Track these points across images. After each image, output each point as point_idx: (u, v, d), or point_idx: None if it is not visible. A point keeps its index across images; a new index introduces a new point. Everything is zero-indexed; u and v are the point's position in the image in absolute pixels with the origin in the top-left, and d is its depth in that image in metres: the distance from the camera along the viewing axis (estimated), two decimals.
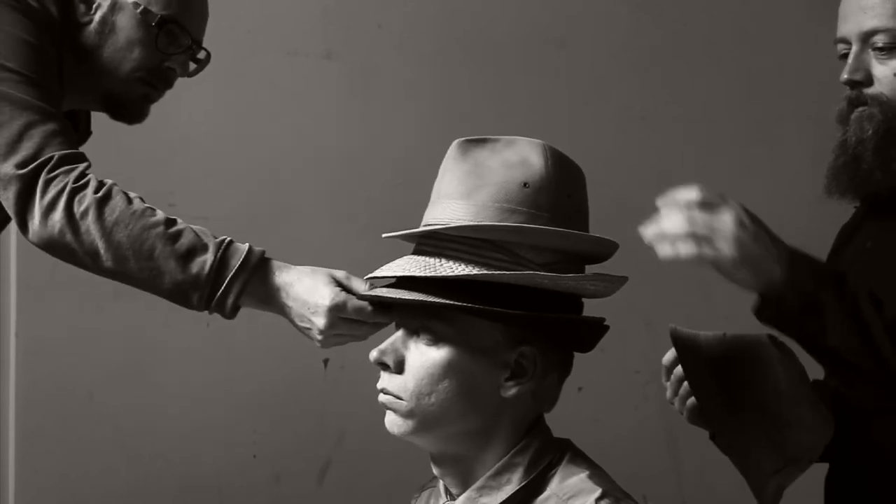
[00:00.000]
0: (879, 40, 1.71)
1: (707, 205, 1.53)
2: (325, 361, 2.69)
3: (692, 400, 1.71)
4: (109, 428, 2.50)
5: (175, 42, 1.86)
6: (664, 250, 1.52)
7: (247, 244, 1.65)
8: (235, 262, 1.63)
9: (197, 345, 2.57)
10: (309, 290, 1.61)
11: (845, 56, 1.76)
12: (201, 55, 1.93)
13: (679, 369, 1.71)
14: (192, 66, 1.95)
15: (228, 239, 1.66)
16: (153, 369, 2.54)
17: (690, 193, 1.54)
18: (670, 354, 1.71)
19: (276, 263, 1.65)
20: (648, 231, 1.53)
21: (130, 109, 1.90)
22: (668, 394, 1.73)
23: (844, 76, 1.74)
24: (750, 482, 1.71)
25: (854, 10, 1.74)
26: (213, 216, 2.58)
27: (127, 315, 2.51)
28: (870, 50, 1.72)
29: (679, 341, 1.65)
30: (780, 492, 1.68)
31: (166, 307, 2.54)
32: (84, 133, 1.98)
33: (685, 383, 1.71)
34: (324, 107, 2.69)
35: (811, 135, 3.01)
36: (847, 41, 1.75)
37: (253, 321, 2.61)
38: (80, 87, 1.84)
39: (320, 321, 1.59)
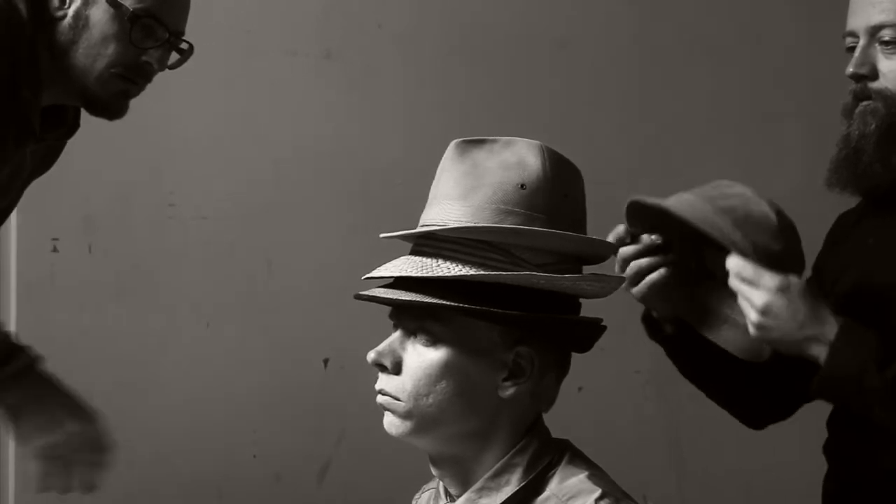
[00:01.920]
0: (887, 34, 1.71)
1: (747, 280, 1.63)
2: (325, 361, 2.69)
3: (654, 276, 1.73)
4: (109, 428, 2.50)
5: (151, 36, 1.81)
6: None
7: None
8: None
9: (197, 345, 2.57)
10: None
11: (852, 49, 1.76)
12: (183, 46, 1.90)
13: (628, 250, 1.74)
14: (176, 56, 1.90)
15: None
16: (153, 369, 2.54)
17: (730, 266, 1.64)
18: (629, 249, 1.74)
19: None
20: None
21: (109, 106, 1.85)
22: (625, 284, 1.74)
23: (850, 70, 1.75)
24: (728, 346, 1.76)
25: (863, 5, 1.74)
26: (212, 216, 2.59)
27: (127, 315, 2.51)
28: (877, 44, 1.72)
29: (646, 208, 1.69)
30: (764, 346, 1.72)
31: (166, 307, 2.56)
32: (72, 127, 1.95)
33: (642, 262, 1.73)
34: (324, 107, 2.69)
35: (811, 134, 3.01)
36: (855, 34, 1.75)
37: (253, 321, 2.62)
38: (59, 84, 1.80)
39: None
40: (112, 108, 1.86)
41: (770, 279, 1.62)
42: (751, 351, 1.73)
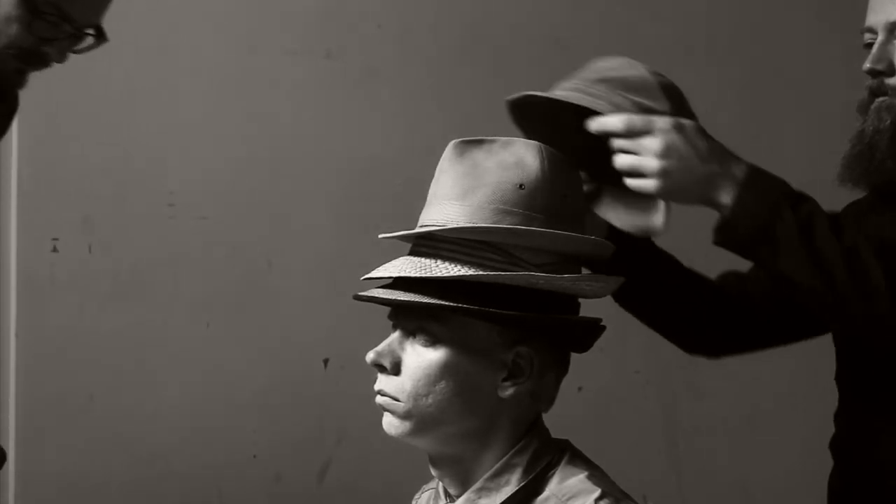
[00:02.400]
0: None
1: (637, 131, 1.55)
2: (325, 361, 2.69)
3: None
4: (109, 428, 2.50)
5: (54, 28, 1.78)
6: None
7: None
8: None
9: (197, 345, 2.57)
10: None
11: (870, 46, 1.76)
12: (88, 42, 1.83)
13: None
14: (90, 40, 1.84)
15: None
16: (153, 369, 2.54)
17: (616, 123, 1.55)
18: None
19: None
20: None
21: (3, 80, 1.82)
22: None
23: (867, 65, 1.75)
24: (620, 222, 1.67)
25: (883, 1, 1.75)
26: (212, 216, 2.59)
27: (127, 315, 2.51)
28: (895, 41, 1.73)
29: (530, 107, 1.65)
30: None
31: (166, 307, 2.56)
32: (11, 106, 1.93)
33: None
34: (324, 107, 2.69)
35: (812, 134, 3.01)
36: (874, 31, 1.76)
37: (253, 321, 2.62)
38: None
39: None
40: (6, 82, 1.83)
41: (663, 121, 1.56)
42: (644, 224, 1.64)
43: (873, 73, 1.75)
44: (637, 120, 1.55)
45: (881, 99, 1.74)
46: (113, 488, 2.52)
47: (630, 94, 1.58)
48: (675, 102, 1.61)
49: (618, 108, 1.56)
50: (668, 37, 3.03)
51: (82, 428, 2.48)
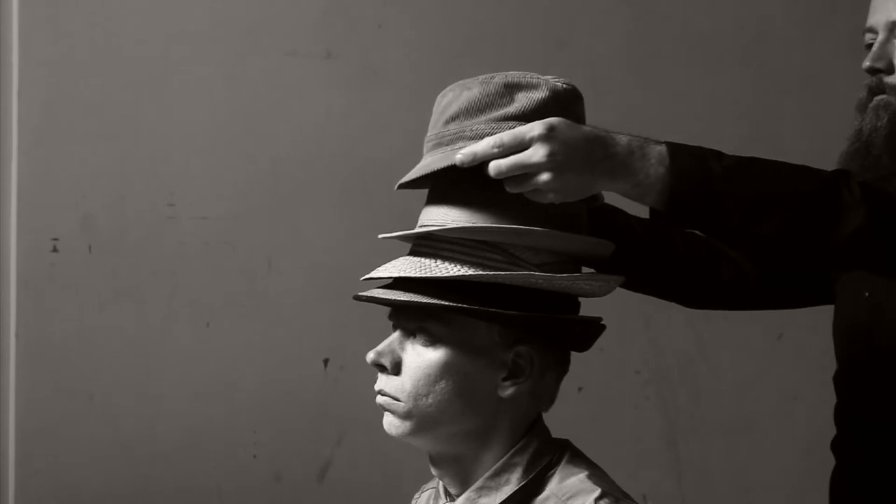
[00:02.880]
0: None
1: (510, 146, 1.42)
2: (325, 361, 2.69)
3: None
4: (109, 428, 2.50)
5: None
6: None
7: None
8: None
9: (197, 345, 2.57)
10: None
11: (871, 46, 1.77)
12: None
13: None
14: None
15: None
16: (153, 369, 2.54)
17: (485, 149, 1.43)
18: None
19: None
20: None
21: None
22: None
23: (867, 63, 1.76)
24: None
25: (884, 1, 1.76)
26: (212, 216, 2.59)
27: (127, 315, 2.51)
28: (895, 40, 1.73)
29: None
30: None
31: (166, 307, 2.56)
32: None
33: None
34: (324, 107, 2.69)
35: (811, 135, 3.01)
36: (874, 30, 1.77)
37: (253, 321, 2.62)
38: None
39: None
40: None
41: (531, 127, 1.41)
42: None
43: (872, 70, 1.76)
44: (504, 137, 1.42)
45: (879, 97, 1.75)
46: (113, 488, 2.52)
47: (482, 115, 1.49)
48: (526, 94, 1.50)
49: (479, 138, 1.46)
50: (667, 37, 3.03)
51: (82, 428, 2.48)
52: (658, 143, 1.46)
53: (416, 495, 1.67)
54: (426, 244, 1.50)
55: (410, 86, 2.77)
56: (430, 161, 1.51)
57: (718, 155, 1.48)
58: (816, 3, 3.14)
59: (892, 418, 1.76)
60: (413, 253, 1.52)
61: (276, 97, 2.65)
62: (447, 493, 1.55)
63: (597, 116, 2.95)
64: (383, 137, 2.73)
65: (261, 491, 2.63)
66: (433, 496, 1.62)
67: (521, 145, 1.41)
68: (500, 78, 1.51)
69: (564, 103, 1.50)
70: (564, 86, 1.52)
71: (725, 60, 3.09)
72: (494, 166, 1.42)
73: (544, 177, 1.41)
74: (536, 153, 1.41)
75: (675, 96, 3.03)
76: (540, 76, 1.53)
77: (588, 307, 1.55)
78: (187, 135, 2.57)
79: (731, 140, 3.12)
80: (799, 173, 1.48)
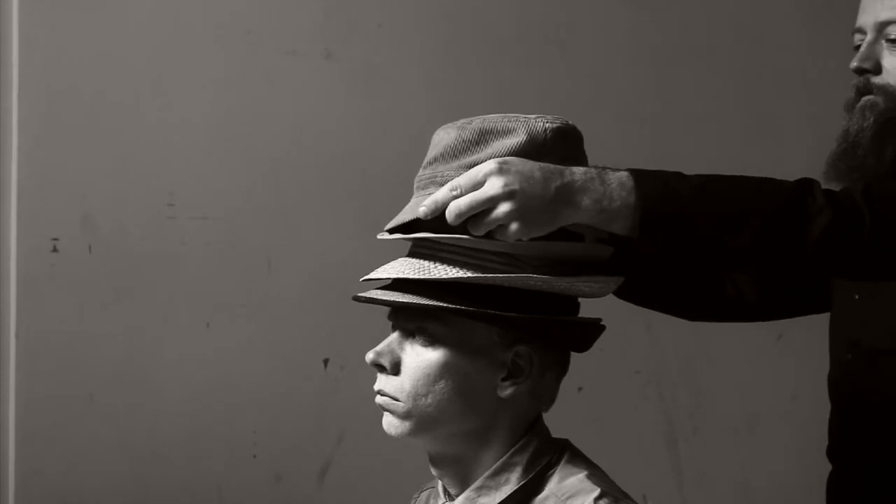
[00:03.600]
0: (893, 31, 1.73)
1: (463, 186, 1.41)
2: (325, 361, 2.69)
3: None
4: (109, 428, 2.50)
5: None
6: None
7: None
8: None
9: (197, 345, 2.57)
10: None
11: (859, 47, 1.77)
12: None
13: None
14: None
15: None
16: (153, 369, 2.54)
17: (441, 197, 1.43)
18: None
19: None
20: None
21: None
22: None
23: (854, 63, 1.76)
24: None
25: (873, 2, 1.76)
26: (212, 216, 2.59)
27: (127, 315, 2.51)
28: (883, 41, 1.74)
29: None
30: None
31: (166, 307, 2.56)
32: None
33: None
34: (324, 107, 2.69)
35: (811, 135, 3.01)
36: (863, 31, 1.77)
37: (253, 321, 2.62)
38: None
39: None
40: None
41: (484, 167, 1.41)
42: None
43: (860, 71, 1.76)
44: (459, 180, 1.42)
45: (867, 97, 1.76)
46: (113, 488, 2.52)
47: (455, 160, 1.48)
48: (500, 141, 1.49)
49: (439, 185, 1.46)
50: (667, 37, 3.03)
51: (82, 428, 2.48)
52: (617, 169, 1.45)
53: (416, 495, 1.67)
54: (425, 244, 1.50)
55: (410, 86, 2.77)
56: (405, 210, 1.51)
57: (681, 176, 1.47)
58: (816, 3, 3.14)
59: (884, 424, 1.76)
60: (412, 254, 1.52)
61: (276, 97, 2.65)
62: (447, 493, 1.55)
63: (597, 116, 2.97)
64: (383, 137, 2.73)
65: (261, 491, 2.63)
66: (433, 495, 1.62)
67: (477, 184, 1.41)
68: (477, 123, 1.50)
69: (542, 148, 1.48)
70: (549, 125, 1.50)
71: (725, 60, 3.09)
72: (453, 208, 1.41)
73: (503, 208, 1.39)
74: (491, 186, 1.40)
75: (675, 96, 3.03)
76: (525, 118, 1.50)
77: (588, 307, 1.56)
78: (187, 135, 2.57)
79: (731, 140, 3.13)
80: (764, 186, 1.48)
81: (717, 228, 1.45)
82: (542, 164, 1.42)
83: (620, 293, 1.72)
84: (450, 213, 1.42)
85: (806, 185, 1.48)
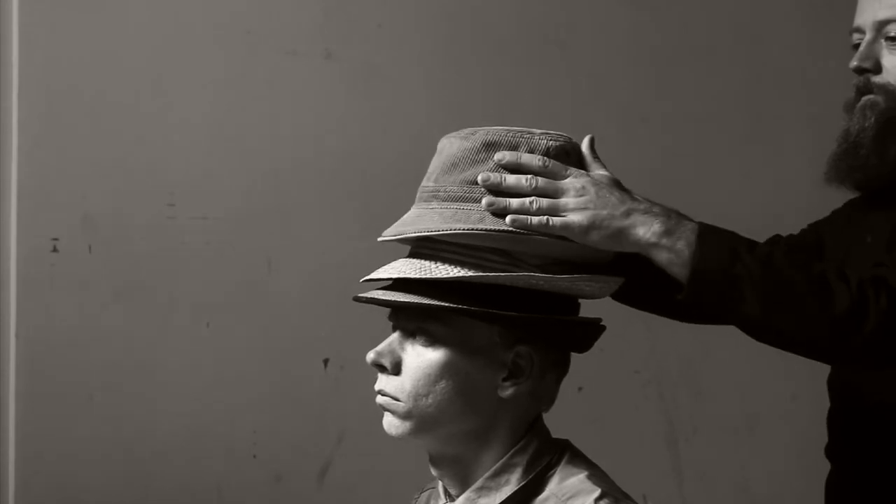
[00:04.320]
0: (892, 30, 1.73)
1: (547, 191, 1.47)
2: (325, 361, 2.69)
3: None
4: (109, 428, 2.50)
5: None
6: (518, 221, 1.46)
7: None
8: None
9: (197, 345, 2.57)
10: None
11: (858, 46, 1.77)
12: None
13: None
14: None
15: None
16: (153, 369, 2.54)
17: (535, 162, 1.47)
18: None
19: None
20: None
21: None
22: None
23: (854, 63, 1.76)
24: None
25: (871, 1, 1.76)
26: (212, 216, 2.59)
27: (127, 315, 2.51)
28: (882, 40, 1.74)
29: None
30: None
31: (166, 307, 2.56)
32: None
33: None
34: (324, 107, 2.69)
35: (811, 135, 3.01)
36: (861, 30, 1.77)
37: (253, 322, 2.62)
38: None
39: None
40: None
41: (574, 174, 1.48)
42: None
43: (860, 70, 1.76)
44: (549, 187, 1.47)
45: (867, 97, 1.75)
46: (113, 488, 2.52)
47: (457, 173, 1.49)
48: (498, 153, 1.50)
49: (451, 200, 1.48)
50: (667, 37, 3.03)
51: (82, 428, 2.48)
52: (690, 220, 1.51)
53: (416, 495, 1.67)
54: (426, 245, 1.50)
55: (410, 86, 2.77)
56: (405, 219, 1.52)
57: (746, 247, 1.51)
58: (816, 3, 3.14)
59: (883, 423, 1.76)
60: (413, 254, 1.52)
61: (276, 97, 2.65)
62: (447, 494, 1.55)
63: (597, 116, 2.97)
64: (383, 137, 2.73)
65: (261, 491, 2.63)
66: (433, 496, 1.62)
67: (558, 190, 1.47)
68: (481, 134, 1.50)
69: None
70: (552, 143, 1.50)
71: (725, 60, 3.09)
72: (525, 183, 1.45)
73: (573, 201, 1.45)
74: (570, 182, 1.46)
75: (675, 96, 3.03)
76: (529, 134, 1.50)
77: (588, 308, 1.55)
78: (187, 135, 2.57)
79: (731, 140, 3.13)
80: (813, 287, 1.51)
81: (762, 315, 1.51)
82: (622, 191, 1.49)
83: (620, 297, 1.72)
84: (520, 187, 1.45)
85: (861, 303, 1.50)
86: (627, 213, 1.47)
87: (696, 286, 1.48)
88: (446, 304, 1.44)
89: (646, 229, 1.48)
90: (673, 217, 1.49)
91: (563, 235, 1.47)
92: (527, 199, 1.45)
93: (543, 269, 1.47)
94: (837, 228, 1.88)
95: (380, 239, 1.54)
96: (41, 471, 2.45)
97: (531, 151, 1.49)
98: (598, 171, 1.52)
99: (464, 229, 1.45)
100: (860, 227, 1.82)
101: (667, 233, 1.48)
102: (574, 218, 1.46)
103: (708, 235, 1.49)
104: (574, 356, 1.55)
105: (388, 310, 1.52)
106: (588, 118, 2.91)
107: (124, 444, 2.52)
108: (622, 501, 1.47)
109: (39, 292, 2.45)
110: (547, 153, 1.49)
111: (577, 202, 1.46)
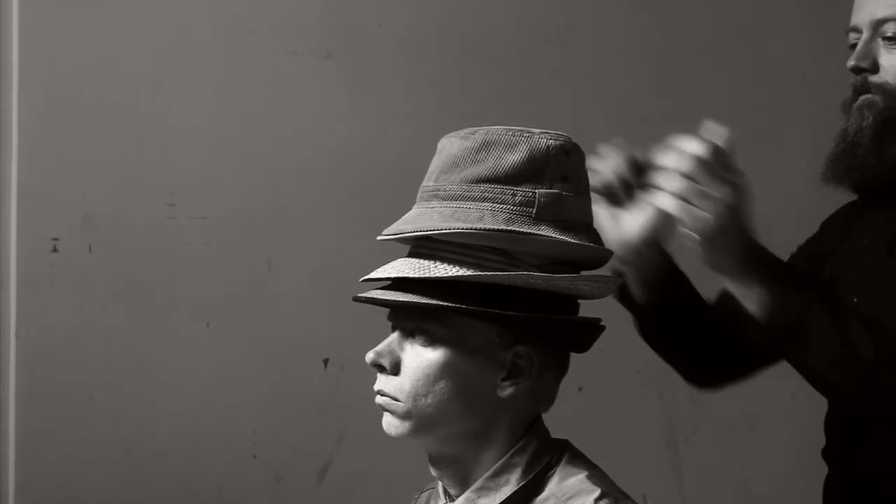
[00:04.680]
0: (889, 29, 1.72)
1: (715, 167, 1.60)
2: (325, 361, 2.69)
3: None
4: (109, 428, 2.50)
5: None
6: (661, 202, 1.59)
7: None
8: None
9: (197, 345, 2.57)
10: None
11: (855, 46, 1.77)
12: None
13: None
14: None
15: None
16: (153, 369, 2.54)
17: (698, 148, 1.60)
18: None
19: None
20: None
21: None
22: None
23: (851, 62, 1.76)
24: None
25: (868, 0, 1.75)
26: (212, 216, 2.59)
27: (127, 315, 2.51)
28: (879, 39, 1.73)
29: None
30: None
31: (166, 307, 2.56)
32: None
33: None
34: (324, 107, 2.69)
35: (811, 135, 3.01)
36: (858, 30, 1.76)
37: (253, 321, 2.62)
38: None
39: None
40: None
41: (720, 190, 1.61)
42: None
43: (857, 70, 1.76)
44: (692, 191, 1.61)
45: (864, 97, 1.75)
46: (113, 488, 2.52)
47: (457, 172, 1.49)
48: (501, 155, 1.50)
49: (451, 199, 1.49)
50: (667, 37, 3.03)
51: (82, 428, 2.48)
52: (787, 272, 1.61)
53: (416, 496, 1.67)
54: (425, 244, 1.49)
55: (410, 86, 2.77)
56: (406, 218, 1.53)
57: (819, 303, 1.59)
58: (816, 3, 3.14)
59: (880, 426, 1.76)
60: (412, 254, 1.51)
61: (276, 97, 2.65)
62: (447, 494, 1.55)
63: (597, 116, 2.97)
64: (383, 137, 2.73)
65: (261, 491, 2.63)
66: (432, 496, 1.62)
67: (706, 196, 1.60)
68: (480, 134, 1.50)
69: (542, 165, 1.48)
70: (552, 143, 1.49)
71: (725, 60, 3.09)
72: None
73: (710, 207, 1.58)
74: (720, 191, 1.60)
75: (675, 96, 3.03)
76: (529, 133, 1.50)
77: (588, 308, 1.55)
78: (187, 135, 2.57)
79: (731, 140, 3.13)
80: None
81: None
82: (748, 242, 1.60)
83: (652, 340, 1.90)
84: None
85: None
86: (741, 242, 1.59)
87: (767, 330, 1.60)
88: (445, 304, 1.44)
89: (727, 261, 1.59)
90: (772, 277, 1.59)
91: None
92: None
93: (542, 269, 1.47)
94: (836, 237, 1.88)
95: (379, 238, 1.54)
96: (41, 471, 2.46)
97: (531, 151, 1.48)
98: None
99: (462, 228, 1.45)
100: (858, 232, 1.82)
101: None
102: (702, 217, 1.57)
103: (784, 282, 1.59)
104: (574, 356, 1.54)
105: (387, 310, 1.52)
106: (588, 118, 2.91)
107: (124, 444, 2.52)
108: (622, 501, 1.47)
109: (39, 292, 2.46)
110: (546, 151, 1.49)
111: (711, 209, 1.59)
